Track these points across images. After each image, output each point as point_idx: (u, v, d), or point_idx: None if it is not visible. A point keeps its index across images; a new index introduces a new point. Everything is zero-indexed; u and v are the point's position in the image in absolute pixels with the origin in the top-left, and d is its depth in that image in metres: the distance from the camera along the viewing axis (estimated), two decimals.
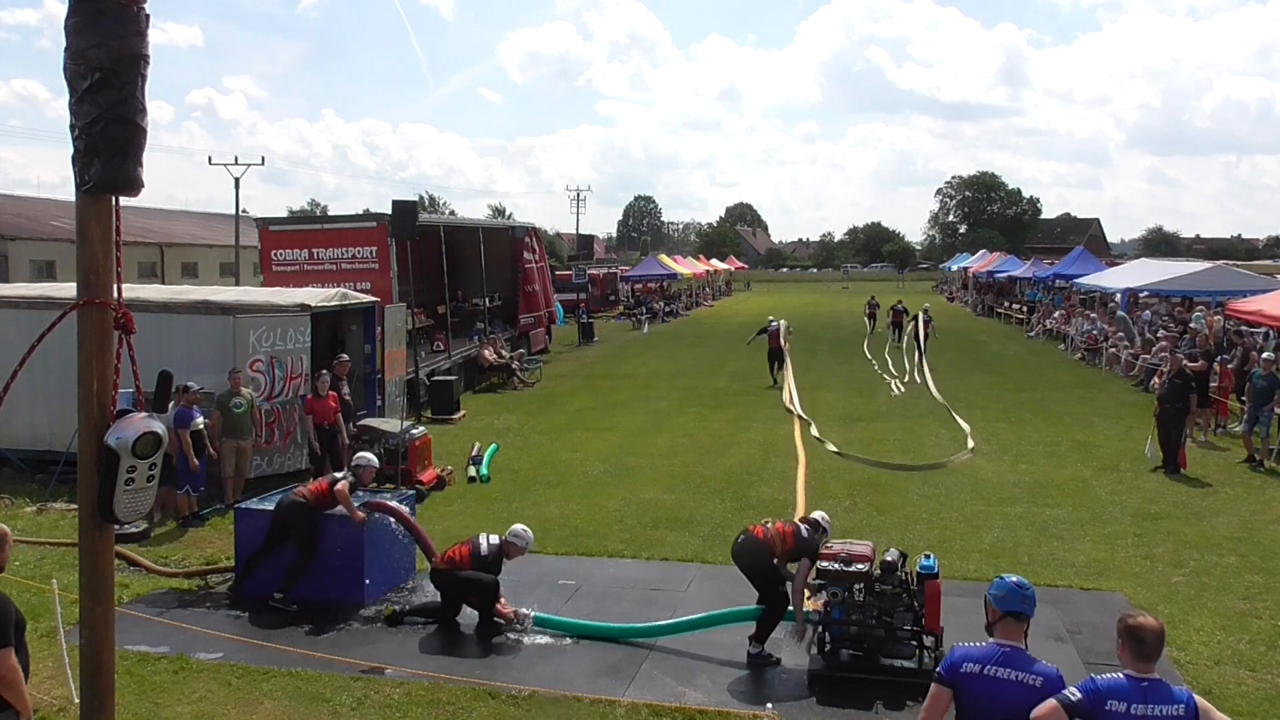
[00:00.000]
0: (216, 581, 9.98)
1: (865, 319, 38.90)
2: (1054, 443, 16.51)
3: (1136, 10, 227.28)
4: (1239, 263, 45.45)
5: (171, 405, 11.31)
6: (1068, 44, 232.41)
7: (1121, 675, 4.04)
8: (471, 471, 14.26)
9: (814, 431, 14.60)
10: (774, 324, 24.12)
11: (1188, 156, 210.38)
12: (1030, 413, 19.48)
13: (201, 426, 12.00)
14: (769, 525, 8.26)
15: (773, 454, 15.75)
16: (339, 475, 9.61)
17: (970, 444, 14.85)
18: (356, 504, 9.43)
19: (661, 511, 12.39)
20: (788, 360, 20.27)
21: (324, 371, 13.59)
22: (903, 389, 23.01)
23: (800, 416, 15.51)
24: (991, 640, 4.50)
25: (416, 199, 25.32)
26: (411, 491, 11.41)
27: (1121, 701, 3.95)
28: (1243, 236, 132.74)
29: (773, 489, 13.41)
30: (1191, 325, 21.70)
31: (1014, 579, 4.64)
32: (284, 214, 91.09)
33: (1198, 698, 4.02)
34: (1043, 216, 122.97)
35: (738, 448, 16.34)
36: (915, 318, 29.09)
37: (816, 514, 8.38)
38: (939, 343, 29.71)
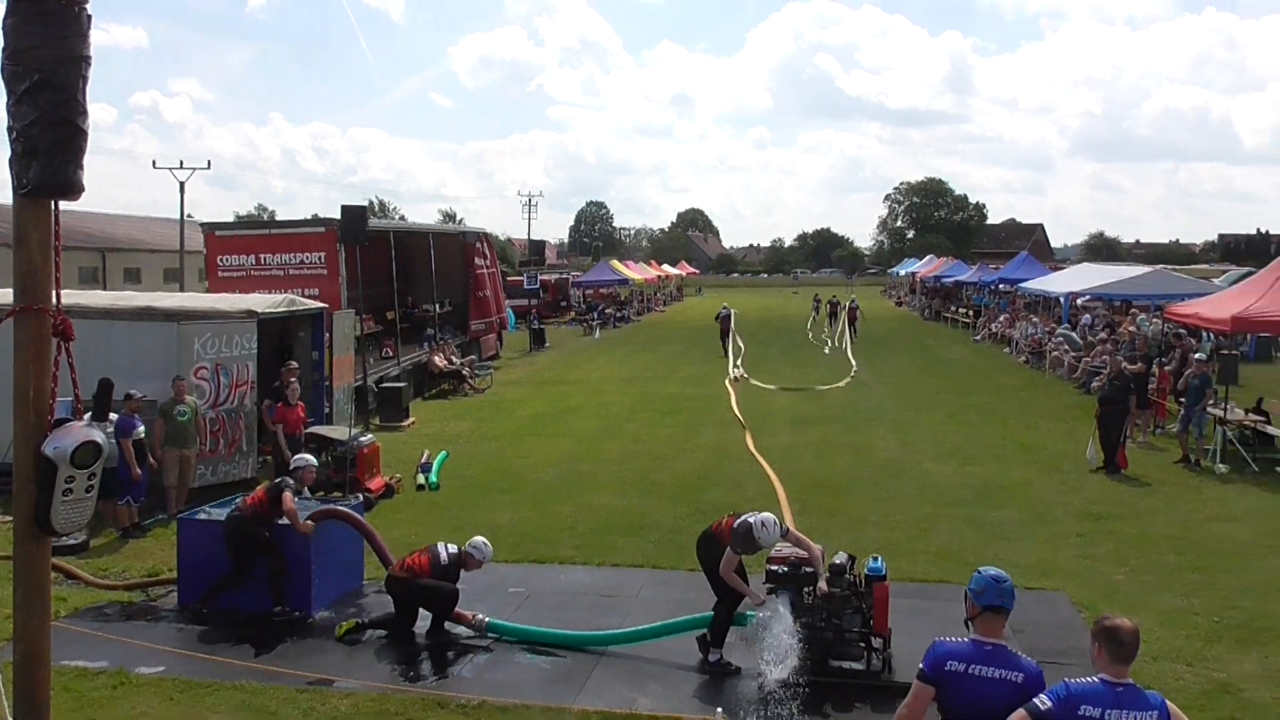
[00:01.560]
0: (158, 594, 9.80)
1: (812, 310, 48.63)
2: (1000, 445, 16.76)
3: (1078, 19, 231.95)
4: (1177, 267, 46.36)
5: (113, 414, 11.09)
6: (1012, 52, 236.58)
7: (1097, 679, 3.95)
8: (421, 479, 14.14)
9: (754, 381, 20.66)
10: (725, 310, 34.33)
11: (1129, 163, 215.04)
12: (977, 415, 19.76)
13: (143, 435, 11.79)
14: (724, 520, 8.26)
15: (725, 459, 15.79)
16: (280, 483, 9.49)
17: (852, 373, 21.29)
18: (309, 513, 9.34)
19: (613, 517, 12.36)
20: (733, 338, 30.01)
21: (295, 380, 13.43)
22: (828, 351, 33.35)
23: (742, 375, 22.61)
24: (972, 636, 4.41)
25: (366, 204, 25.22)
26: (359, 500, 11.28)
27: (1096, 707, 3.87)
28: (1180, 241, 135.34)
29: (725, 493, 13.41)
30: (1131, 328, 22.14)
31: (992, 572, 4.53)
32: (231, 219, 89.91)
33: (1169, 703, 3.96)
34: (989, 222, 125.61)
35: (690, 453, 16.38)
36: (844, 305, 39.82)
37: (764, 515, 8.03)
38: (887, 346, 33.89)
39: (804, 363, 30.40)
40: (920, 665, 4.37)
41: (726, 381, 23.89)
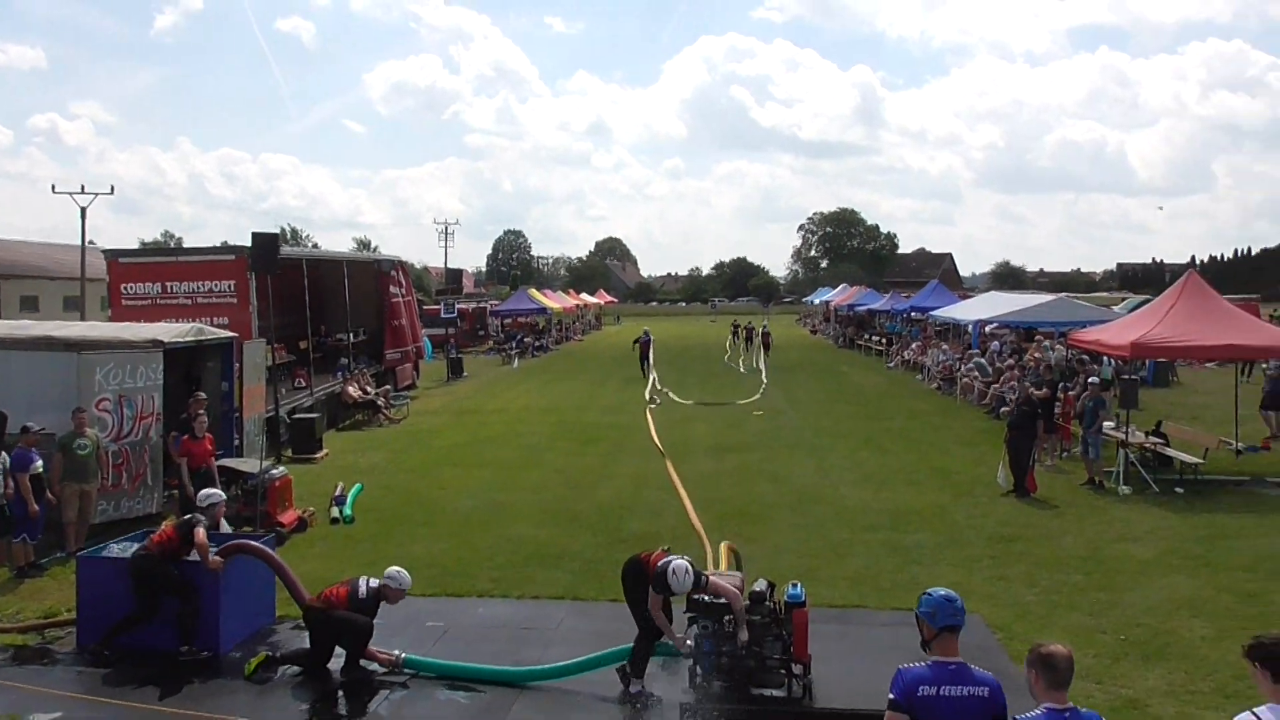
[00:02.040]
0: (55, 636, 9.37)
1: (730, 336, 50.75)
2: (914, 470, 17.05)
3: (980, 56, 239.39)
4: (1079, 295, 48.04)
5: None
6: (919, 87, 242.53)
7: (1042, 710, 4.02)
8: (335, 512, 13.90)
9: (672, 396, 24.18)
10: (645, 336, 36.43)
11: (1031, 194, 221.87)
12: (891, 441, 20.06)
13: (41, 470, 11.33)
14: (653, 553, 8.21)
15: (644, 487, 15.80)
16: (191, 519, 9.19)
17: (761, 390, 26.65)
18: (217, 548, 9.08)
19: (533, 548, 12.27)
20: (651, 361, 33.84)
21: (203, 412, 13.09)
22: (743, 370, 36.89)
23: (659, 389, 26.99)
24: (933, 659, 4.49)
25: (278, 231, 24.72)
26: (271, 534, 10.98)
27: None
28: (1082, 270, 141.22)
29: (644, 523, 13.42)
30: (1037, 355, 22.74)
31: (942, 592, 4.61)
32: (136, 245, 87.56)
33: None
34: (900, 251, 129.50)
35: (609, 482, 16.35)
36: (758, 330, 45.93)
37: (679, 562, 7.74)
38: (803, 373, 35.71)
39: (722, 384, 32.14)
40: (890, 695, 4.43)
41: (647, 411, 23.91)
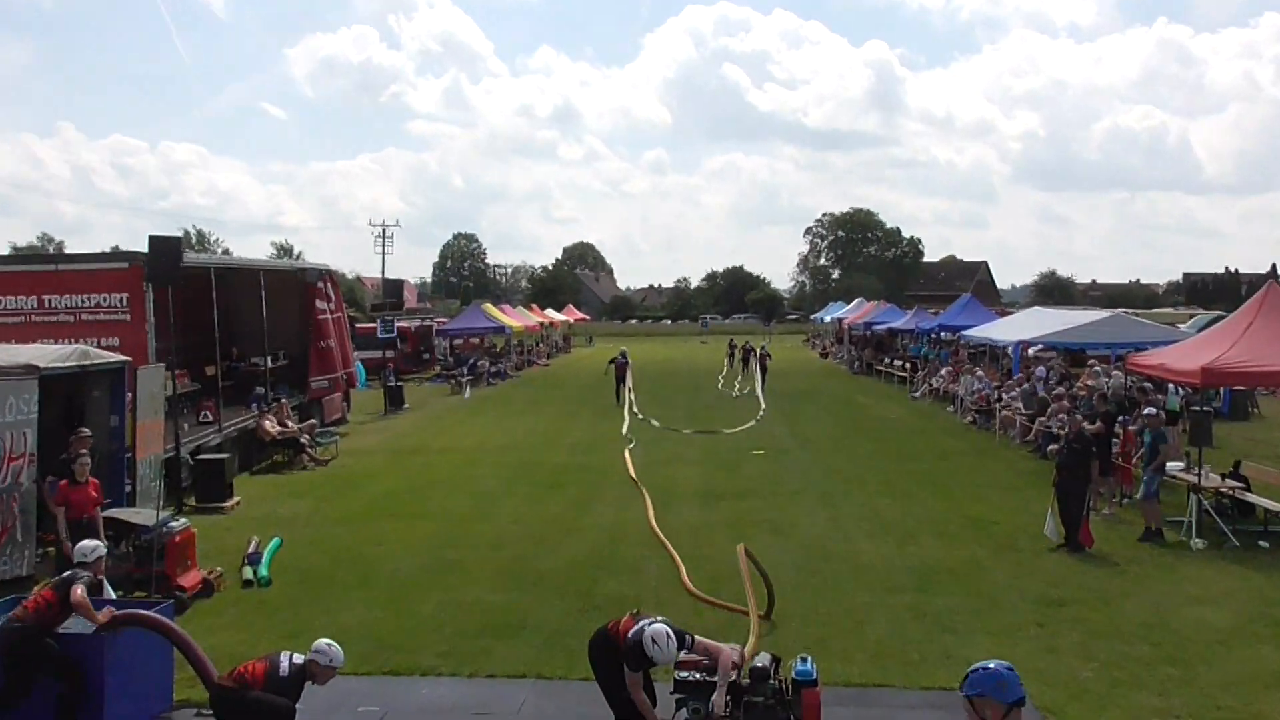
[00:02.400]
0: None
1: (726, 359, 52.53)
2: (944, 520, 17.09)
3: (1016, 30, 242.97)
4: (1138, 311, 48.44)
5: None
6: (944, 66, 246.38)
7: None
8: (248, 573, 13.87)
9: (654, 423, 26.56)
10: (622, 358, 37.69)
11: (1079, 192, 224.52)
12: (917, 486, 20.12)
13: None
14: (624, 619, 8.20)
15: (621, 541, 15.79)
16: (69, 576, 9.10)
17: (759, 416, 29.17)
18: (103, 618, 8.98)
19: (488, 616, 12.25)
20: (629, 382, 36.16)
21: (86, 452, 13.03)
22: (735, 394, 39.11)
23: (638, 416, 29.53)
24: None
25: (181, 234, 24.67)
26: (169, 600, 10.84)
27: None
28: (1141, 281, 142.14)
29: (623, 583, 13.44)
30: (1089, 382, 22.86)
31: (994, 664, 4.66)
32: (6, 251, 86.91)
33: None
34: (925, 259, 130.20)
35: (580, 534, 16.36)
36: (755, 351, 46.53)
37: (656, 626, 7.82)
38: (812, 404, 36.13)
39: (714, 415, 32.64)
40: None
41: (625, 452, 24.01)
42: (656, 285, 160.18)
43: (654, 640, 7.61)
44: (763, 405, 33.80)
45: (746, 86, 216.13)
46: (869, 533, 16.18)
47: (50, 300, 19.48)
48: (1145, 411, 17.15)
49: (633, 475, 20.80)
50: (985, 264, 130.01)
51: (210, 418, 22.06)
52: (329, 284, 29.16)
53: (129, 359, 16.11)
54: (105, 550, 9.84)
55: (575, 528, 16.87)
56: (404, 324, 49.07)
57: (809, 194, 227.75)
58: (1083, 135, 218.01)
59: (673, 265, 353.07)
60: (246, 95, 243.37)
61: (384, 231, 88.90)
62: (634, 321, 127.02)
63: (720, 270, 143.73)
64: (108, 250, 23.88)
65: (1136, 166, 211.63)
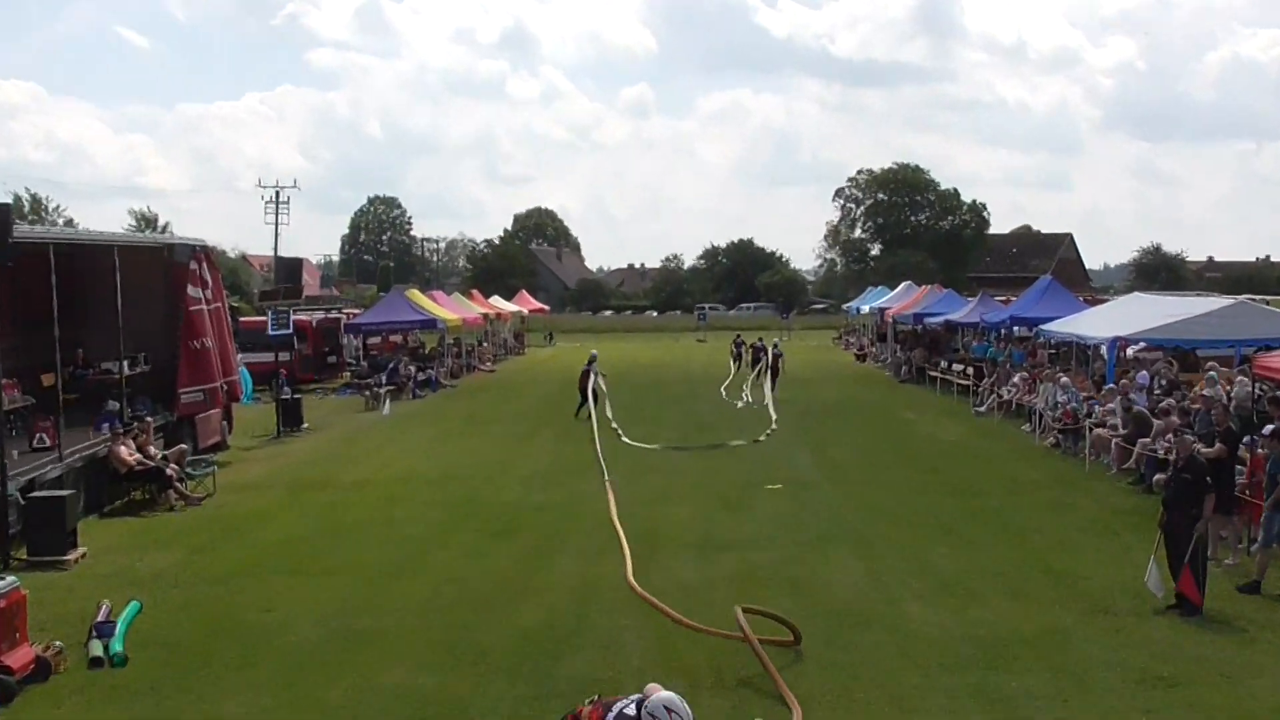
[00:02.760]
0: None
1: (731, 361, 53.26)
2: (1018, 574, 16.79)
3: None
4: (1268, 297, 47.71)
5: None
6: None
7: None
8: (97, 648, 13.58)
9: (626, 440, 29.51)
10: (590, 363, 37.20)
11: (1188, 142, 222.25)
12: (982, 529, 19.91)
13: None
14: (586, 708, 8.02)
15: (591, 604, 15.60)
16: None
17: (771, 428, 32.05)
18: None
19: (414, 706, 12.09)
20: (604, 390, 36.93)
21: None
22: (741, 405, 39.93)
23: (611, 425, 31.91)
24: None
25: (9, 201, 24.09)
26: None
27: None
28: (1272, 259, 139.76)
29: (591, 661, 13.31)
30: (1205, 391, 22.64)
31: None
32: None
33: None
34: (992, 231, 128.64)
35: (536, 596, 16.04)
36: (768, 350, 46.58)
37: (664, 695, 7.54)
38: (844, 420, 36.61)
39: (715, 432, 32.99)
40: None
41: (606, 481, 24.10)
42: (638, 265, 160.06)
43: (669, 710, 7.22)
44: (773, 419, 34.18)
45: (755, 4, 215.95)
46: (919, 592, 15.89)
47: None
48: (1267, 429, 16.79)
49: (613, 517, 20.55)
50: (1069, 237, 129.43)
51: (47, 442, 21.77)
52: (204, 264, 28.44)
53: None
54: None
55: (530, 588, 16.56)
56: (303, 317, 48.62)
57: (838, 145, 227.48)
58: (1194, 69, 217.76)
59: (659, 239, 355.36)
60: (95, 19, 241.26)
61: (277, 195, 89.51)
62: (609, 313, 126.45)
63: (722, 246, 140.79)
64: None
65: (1263, 109, 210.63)
